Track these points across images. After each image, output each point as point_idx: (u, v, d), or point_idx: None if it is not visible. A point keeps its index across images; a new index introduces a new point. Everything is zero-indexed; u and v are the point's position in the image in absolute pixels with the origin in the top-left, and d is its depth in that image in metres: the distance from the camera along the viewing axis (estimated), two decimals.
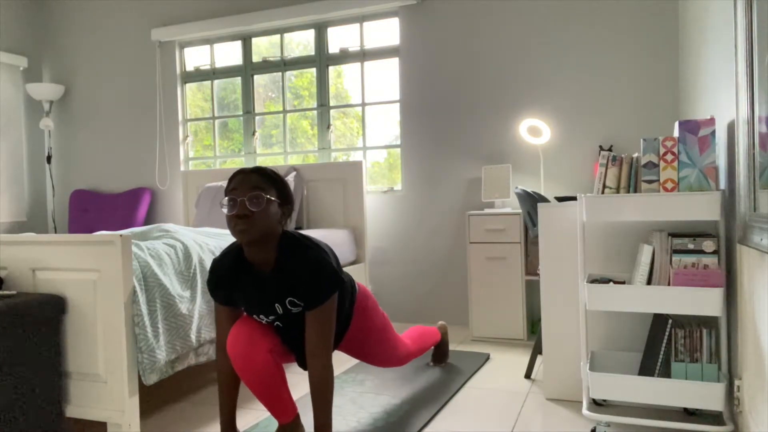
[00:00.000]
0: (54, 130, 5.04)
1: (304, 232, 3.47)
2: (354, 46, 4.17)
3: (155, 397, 2.62)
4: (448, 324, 3.87)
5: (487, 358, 3.06)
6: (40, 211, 5.02)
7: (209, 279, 1.98)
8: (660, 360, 1.97)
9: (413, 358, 2.56)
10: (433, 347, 2.90)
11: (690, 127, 1.96)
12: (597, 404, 2.19)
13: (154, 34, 4.59)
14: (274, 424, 2.24)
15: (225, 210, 1.84)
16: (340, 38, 4.23)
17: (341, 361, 3.08)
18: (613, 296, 1.99)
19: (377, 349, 2.29)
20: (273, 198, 1.85)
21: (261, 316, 1.98)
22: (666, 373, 1.97)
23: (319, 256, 1.87)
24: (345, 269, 3.59)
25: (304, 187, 3.97)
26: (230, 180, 1.88)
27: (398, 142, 4.07)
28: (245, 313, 2.03)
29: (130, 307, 1.99)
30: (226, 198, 1.84)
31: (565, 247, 2.42)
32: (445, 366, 2.93)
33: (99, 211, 4.66)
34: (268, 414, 2.36)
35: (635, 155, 2.07)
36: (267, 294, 1.92)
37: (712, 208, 1.89)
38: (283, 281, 1.88)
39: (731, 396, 1.95)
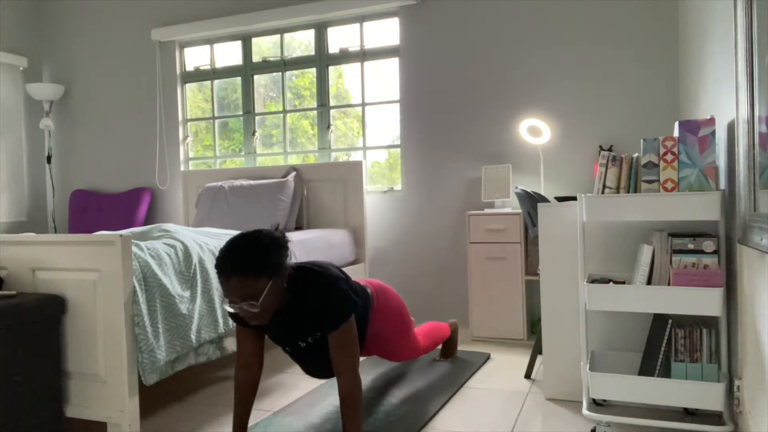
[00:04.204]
0: (54, 130, 5.04)
1: (304, 232, 3.48)
2: (354, 46, 4.17)
3: (155, 397, 2.62)
4: None
5: (487, 358, 3.06)
6: (40, 211, 5.02)
7: (230, 313, 1.93)
8: (660, 360, 1.97)
9: (423, 353, 2.68)
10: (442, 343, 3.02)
11: (690, 127, 1.96)
12: (597, 404, 2.19)
13: (154, 34, 4.59)
14: (274, 423, 2.24)
15: (229, 308, 1.79)
16: (340, 38, 4.23)
17: None
18: (613, 296, 1.99)
19: (392, 346, 2.43)
20: (267, 286, 1.76)
21: (286, 348, 2.08)
22: (666, 373, 1.97)
23: (326, 283, 1.91)
24: (345, 269, 3.59)
25: (304, 187, 3.97)
26: (217, 274, 1.77)
27: (398, 142, 4.07)
28: None
29: (130, 307, 1.99)
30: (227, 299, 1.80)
31: (565, 247, 2.42)
32: (452, 362, 2.97)
33: (99, 211, 4.66)
34: (268, 414, 2.36)
35: (635, 155, 2.07)
36: (288, 334, 2.01)
37: (712, 208, 1.89)
38: (301, 321, 1.95)
39: (731, 396, 1.95)
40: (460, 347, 3.29)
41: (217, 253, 2.50)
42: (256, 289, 1.74)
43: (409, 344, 2.50)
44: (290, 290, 1.90)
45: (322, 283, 1.92)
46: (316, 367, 2.12)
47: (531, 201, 2.88)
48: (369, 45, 4.13)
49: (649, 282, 1.99)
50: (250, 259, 1.74)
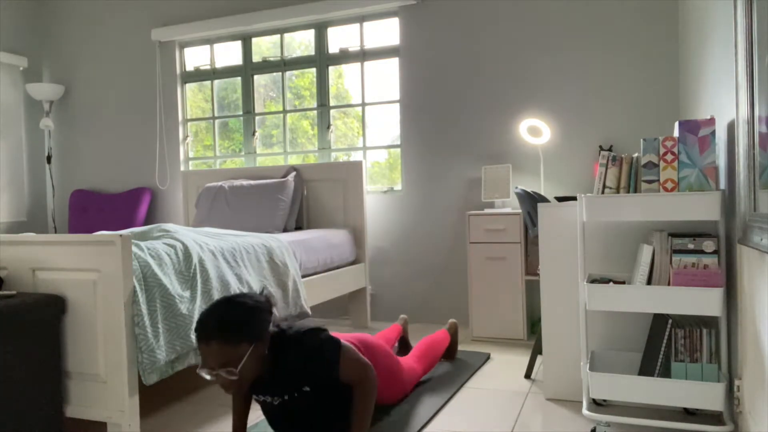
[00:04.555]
0: (54, 130, 5.04)
1: (304, 232, 3.48)
2: (354, 46, 4.17)
3: (155, 397, 2.62)
4: None
5: (487, 357, 3.06)
6: (40, 211, 5.02)
7: None
8: (660, 360, 1.97)
9: (424, 375, 2.64)
10: None
11: (690, 127, 1.96)
12: (597, 404, 2.19)
13: (154, 34, 4.59)
14: None
15: (206, 375, 1.71)
16: (340, 38, 4.23)
17: None
18: (613, 296, 1.99)
19: (388, 393, 2.35)
20: (247, 353, 1.71)
21: (266, 398, 1.97)
22: (666, 373, 1.97)
23: (306, 341, 1.87)
24: (344, 270, 3.59)
25: (304, 187, 3.97)
26: (198, 348, 1.72)
27: (398, 142, 4.07)
28: None
29: (130, 307, 1.99)
30: (203, 365, 1.72)
31: (565, 247, 2.42)
32: (453, 362, 2.96)
33: (99, 211, 4.66)
34: None
35: (635, 155, 2.07)
36: (274, 389, 1.92)
37: (712, 208, 1.89)
38: (287, 379, 1.89)
39: (731, 396, 1.95)
40: (460, 347, 3.29)
41: (217, 254, 2.51)
42: (235, 355, 1.69)
43: (404, 384, 2.43)
44: (271, 355, 1.85)
45: (301, 341, 1.88)
46: (295, 428, 1.98)
47: (531, 201, 2.88)
48: (369, 45, 4.13)
49: (649, 282, 1.99)
50: (231, 324, 1.69)
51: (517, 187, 3.03)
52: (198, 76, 4.64)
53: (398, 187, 4.08)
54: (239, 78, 4.51)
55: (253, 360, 1.75)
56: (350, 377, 1.94)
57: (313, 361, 1.88)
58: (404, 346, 3.12)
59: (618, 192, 2.06)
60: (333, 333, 2.22)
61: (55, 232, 5.01)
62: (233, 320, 1.71)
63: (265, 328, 1.79)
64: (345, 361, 1.93)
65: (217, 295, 2.39)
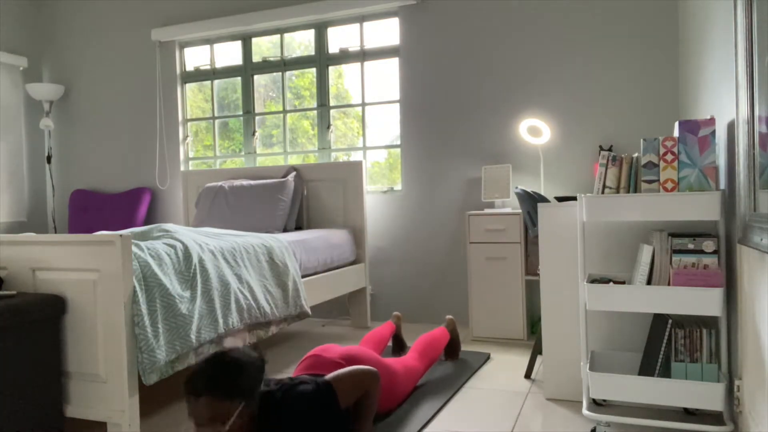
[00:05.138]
0: (54, 130, 5.04)
1: (304, 232, 3.47)
2: (354, 46, 4.17)
3: (155, 397, 2.62)
4: None
5: (488, 357, 3.06)
6: (40, 211, 5.02)
7: None
8: (660, 360, 1.97)
9: (425, 371, 2.64)
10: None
11: (690, 127, 1.96)
12: (597, 404, 2.19)
13: (154, 34, 4.59)
14: None
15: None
16: (340, 38, 4.23)
17: None
18: (613, 296, 1.99)
19: (384, 404, 2.33)
20: (237, 410, 1.65)
21: None
22: (666, 373, 1.97)
23: (297, 402, 1.82)
24: (344, 270, 3.59)
25: (304, 187, 3.97)
26: (186, 401, 1.67)
27: (398, 142, 4.07)
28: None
29: (130, 307, 1.99)
30: (190, 418, 1.67)
31: (565, 247, 2.42)
32: (456, 361, 2.95)
33: (99, 211, 4.66)
34: None
35: (635, 155, 2.07)
36: None
37: (712, 208, 1.89)
38: None
39: (731, 396, 1.95)
40: (461, 347, 3.28)
41: (217, 254, 2.50)
42: (225, 411, 1.64)
43: (401, 389, 2.40)
44: (261, 417, 1.79)
45: (289, 397, 1.83)
46: None
47: (531, 201, 2.88)
48: (369, 45, 4.13)
49: (649, 282, 1.99)
50: (224, 378, 1.64)
51: (517, 187, 3.03)
52: (198, 76, 4.64)
53: (398, 187, 4.08)
54: (239, 78, 4.51)
55: (243, 419, 1.69)
56: (353, 400, 1.93)
57: (313, 417, 1.83)
58: (398, 344, 3.12)
59: (618, 192, 2.06)
60: (318, 350, 2.25)
61: (55, 232, 5.01)
62: (225, 376, 1.65)
63: (257, 387, 1.72)
64: (342, 396, 1.89)
65: (217, 295, 2.39)
